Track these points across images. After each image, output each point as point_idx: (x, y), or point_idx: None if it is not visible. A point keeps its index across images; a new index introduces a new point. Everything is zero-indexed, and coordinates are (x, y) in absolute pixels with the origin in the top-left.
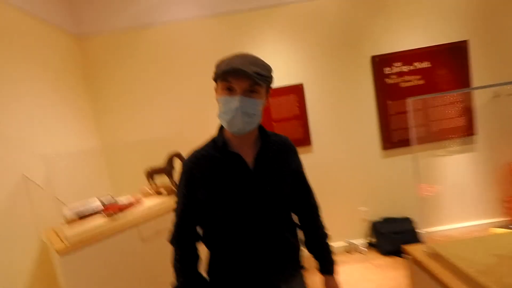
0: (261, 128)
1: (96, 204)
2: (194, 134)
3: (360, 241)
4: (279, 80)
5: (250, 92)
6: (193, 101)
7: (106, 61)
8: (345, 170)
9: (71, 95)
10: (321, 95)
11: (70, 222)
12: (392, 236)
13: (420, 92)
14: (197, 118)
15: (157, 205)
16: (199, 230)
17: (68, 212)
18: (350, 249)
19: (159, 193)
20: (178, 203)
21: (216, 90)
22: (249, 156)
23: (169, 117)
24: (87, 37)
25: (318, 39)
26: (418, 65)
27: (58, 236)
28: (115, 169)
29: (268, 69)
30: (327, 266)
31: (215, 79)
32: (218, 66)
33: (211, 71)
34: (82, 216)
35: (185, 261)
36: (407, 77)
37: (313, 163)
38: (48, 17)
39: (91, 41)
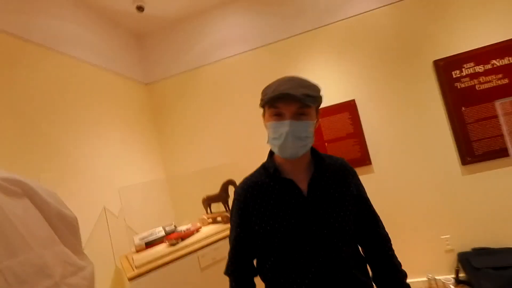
0: (313, 151)
1: (160, 233)
2: (248, 162)
3: (445, 277)
4: (329, 99)
5: (299, 115)
6: (246, 130)
7: (169, 101)
8: (417, 191)
9: (141, 134)
10: (376, 109)
11: (138, 249)
12: (491, 273)
13: (505, 93)
14: (251, 146)
15: (213, 233)
16: (256, 261)
17: (138, 241)
18: (433, 286)
19: (215, 221)
20: (231, 232)
21: (263, 116)
22: (302, 181)
23: (225, 146)
24: (153, 83)
25: (368, 52)
26: (497, 62)
27: (129, 262)
28: (177, 199)
29: (316, 89)
30: None
31: (262, 106)
32: (264, 92)
33: (255, 99)
34: (149, 244)
35: None
36: (484, 78)
37: (375, 184)
38: (125, 71)
39: (157, 85)
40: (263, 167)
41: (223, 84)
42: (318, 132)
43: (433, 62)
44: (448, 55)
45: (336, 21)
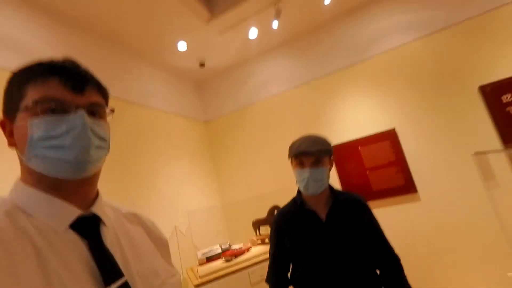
0: (331, 189)
1: (218, 250)
2: (291, 189)
3: None
4: (368, 129)
5: (316, 164)
6: (287, 161)
7: (224, 135)
8: (472, 221)
9: (202, 165)
10: (418, 137)
11: (200, 263)
12: None
13: None
14: (293, 175)
15: (262, 253)
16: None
17: (200, 256)
18: None
19: (264, 242)
20: (270, 249)
21: (291, 164)
22: (322, 212)
23: (272, 175)
24: (211, 120)
25: (407, 82)
26: None
27: (193, 273)
28: (231, 221)
29: (327, 144)
30: None
31: (290, 158)
32: (291, 149)
33: (303, 131)
34: (209, 259)
35: None
36: None
37: (422, 213)
38: (188, 113)
39: (213, 122)
40: (294, 200)
41: (270, 119)
42: (359, 160)
43: (479, 87)
44: (495, 80)
45: (373, 55)
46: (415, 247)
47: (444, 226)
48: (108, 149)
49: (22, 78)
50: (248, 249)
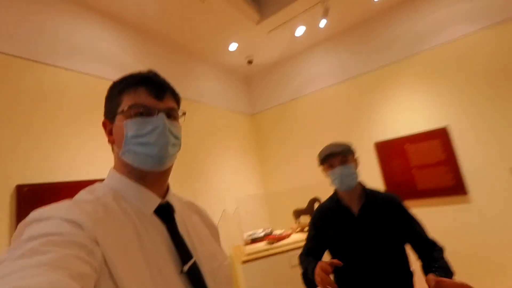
0: (363, 187)
1: (261, 233)
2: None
3: None
4: (417, 126)
5: (343, 162)
6: None
7: (269, 128)
8: None
9: (248, 155)
10: (474, 136)
11: (246, 243)
12: None
13: None
14: None
15: (301, 240)
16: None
17: (246, 237)
18: None
19: (303, 230)
20: (308, 235)
21: (323, 170)
22: (356, 208)
23: (314, 168)
24: (257, 114)
25: (463, 77)
26: None
27: (239, 251)
28: (273, 208)
29: (349, 145)
30: (445, 270)
31: (321, 164)
32: (319, 157)
33: (347, 127)
34: (253, 240)
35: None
36: None
37: (472, 216)
38: (236, 107)
39: (259, 115)
40: (331, 197)
41: (314, 113)
42: (404, 158)
43: None
44: None
45: (427, 49)
46: (462, 250)
47: (496, 230)
48: (180, 146)
49: (119, 88)
50: (288, 235)
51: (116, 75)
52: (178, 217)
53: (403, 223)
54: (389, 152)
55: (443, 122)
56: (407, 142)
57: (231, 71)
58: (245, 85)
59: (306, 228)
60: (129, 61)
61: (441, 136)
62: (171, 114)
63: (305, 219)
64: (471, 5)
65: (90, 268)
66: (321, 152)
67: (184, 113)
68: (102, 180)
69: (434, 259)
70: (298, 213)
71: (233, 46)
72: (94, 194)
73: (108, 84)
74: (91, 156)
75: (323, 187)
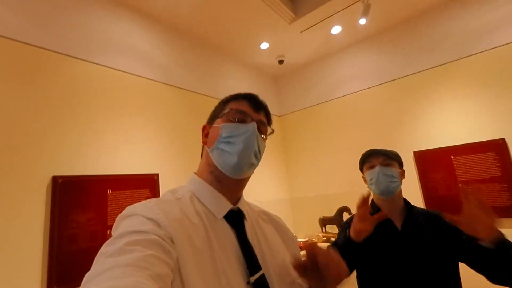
0: (406, 201)
1: None
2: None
3: None
4: (467, 136)
5: (385, 163)
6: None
7: (296, 131)
8: None
9: (274, 159)
10: None
11: None
12: None
13: None
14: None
15: None
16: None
17: None
18: None
19: (329, 240)
20: (334, 245)
21: (364, 176)
22: (397, 221)
23: (342, 175)
24: (285, 115)
25: None
26: None
27: None
28: (297, 214)
29: (395, 153)
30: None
31: (362, 165)
32: (361, 159)
33: (383, 133)
34: None
35: None
36: None
37: None
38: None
39: (287, 117)
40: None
41: (346, 117)
42: (449, 171)
43: None
44: None
45: (480, 51)
46: None
47: None
48: (258, 163)
49: (227, 99)
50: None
51: (147, 72)
52: (249, 225)
53: (453, 239)
54: (431, 163)
55: (498, 133)
56: (454, 153)
57: (260, 70)
58: (273, 85)
59: (333, 238)
60: (160, 58)
61: (496, 148)
62: (261, 129)
63: (332, 229)
64: None
65: (167, 267)
66: (362, 155)
67: (272, 131)
68: (132, 175)
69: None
70: (324, 221)
71: (264, 45)
72: (175, 195)
73: (140, 80)
74: (120, 151)
75: (351, 197)
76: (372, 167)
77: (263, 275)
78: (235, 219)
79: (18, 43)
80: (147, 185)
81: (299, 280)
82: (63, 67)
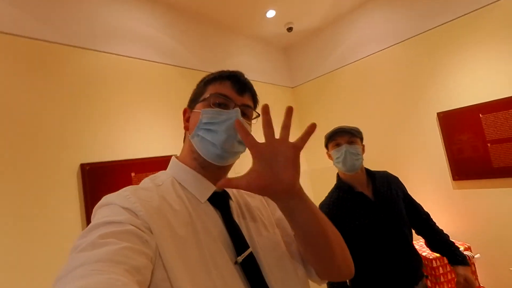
0: (367, 170)
1: None
2: (382, 158)
3: None
4: (496, 92)
5: (350, 142)
6: (382, 127)
7: (311, 101)
8: None
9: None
10: None
11: None
12: None
13: None
14: (385, 143)
15: None
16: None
17: None
18: None
19: None
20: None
21: (328, 152)
22: (367, 192)
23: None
24: (298, 86)
25: None
26: None
27: None
28: (316, 186)
29: (358, 130)
30: (458, 256)
31: (326, 144)
32: (325, 137)
33: (403, 96)
34: None
35: None
36: None
37: None
38: (275, 80)
39: (301, 88)
40: (337, 188)
41: (362, 83)
42: (477, 130)
43: None
44: None
45: None
46: None
47: None
48: (245, 148)
49: (206, 80)
50: None
51: (155, 56)
52: (234, 205)
53: (406, 199)
54: (457, 123)
55: None
56: (482, 111)
57: (268, 41)
58: (284, 56)
59: None
60: (166, 41)
61: None
62: (246, 113)
63: None
64: None
65: (146, 258)
66: (327, 134)
67: (258, 115)
68: (152, 158)
69: (447, 242)
70: None
71: (270, 13)
72: (154, 182)
73: (149, 64)
74: (139, 136)
75: (369, 162)
76: (338, 145)
77: (251, 253)
78: (220, 200)
79: (32, 40)
80: (166, 166)
81: (291, 248)
82: (74, 59)
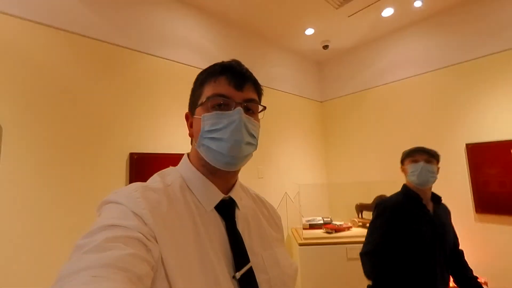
0: (433, 192)
1: (320, 221)
2: (399, 183)
3: None
4: None
5: (427, 161)
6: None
7: (338, 117)
8: None
9: (314, 144)
10: None
11: (304, 227)
12: None
13: None
14: None
15: (361, 234)
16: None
17: (305, 221)
18: None
19: (364, 225)
20: (373, 231)
21: (403, 165)
22: (429, 207)
23: (382, 164)
24: (327, 101)
25: None
26: None
27: (297, 233)
28: (333, 199)
29: (436, 152)
30: None
31: (405, 158)
32: (405, 151)
33: (431, 123)
34: (311, 226)
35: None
36: None
37: None
38: (305, 93)
39: (329, 103)
40: (403, 193)
41: (390, 105)
42: (507, 166)
43: None
44: None
45: None
46: None
47: None
48: (256, 146)
49: (201, 79)
50: (348, 228)
51: (200, 62)
52: (242, 214)
53: (453, 231)
54: (485, 156)
55: None
56: None
57: (303, 56)
58: (317, 70)
59: (368, 224)
60: (211, 49)
61: None
62: (250, 108)
63: (368, 216)
64: None
65: (148, 266)
66: (405, 151)
67: (264, 108)
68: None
69: (476, 285)
70: (361, 208)
71: (309, 31)
72: (164, 180)
73: (194, 70)
74: (178, 133)
75: (388, 185)
76: (415, 161)
77: (250, 268)
78: (226, 209)
79: (100, 42)
80: None
81: (289, 271)
82: (133, 61)
